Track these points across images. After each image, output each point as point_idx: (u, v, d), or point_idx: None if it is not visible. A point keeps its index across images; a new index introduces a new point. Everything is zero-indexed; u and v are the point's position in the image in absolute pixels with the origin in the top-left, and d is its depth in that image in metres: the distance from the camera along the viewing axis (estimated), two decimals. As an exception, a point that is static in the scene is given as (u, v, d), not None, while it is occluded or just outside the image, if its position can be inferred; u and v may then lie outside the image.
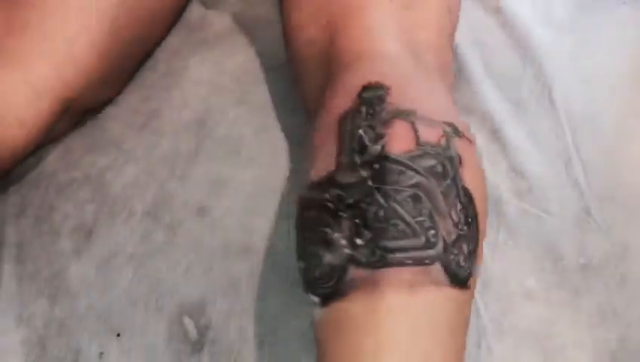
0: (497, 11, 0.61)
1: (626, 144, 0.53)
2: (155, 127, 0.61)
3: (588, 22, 0.60)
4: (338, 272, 0.39)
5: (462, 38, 0.58)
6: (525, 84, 0.57)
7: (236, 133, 0.60)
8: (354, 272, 0.38)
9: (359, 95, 0.43)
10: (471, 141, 0.43)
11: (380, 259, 0.38)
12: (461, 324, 0.39)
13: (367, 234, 0.39)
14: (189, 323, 0.51)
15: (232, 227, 0.55)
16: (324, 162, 0.42)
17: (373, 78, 0.43)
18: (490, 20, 0.61)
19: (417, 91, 0.44)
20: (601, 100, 0.55)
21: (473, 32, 0.60)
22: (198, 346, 0.50)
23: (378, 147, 0.41)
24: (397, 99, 0.42)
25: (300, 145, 0.57)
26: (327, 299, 0.39)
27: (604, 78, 0.56)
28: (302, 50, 0.51)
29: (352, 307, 0.38)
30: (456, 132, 0.42)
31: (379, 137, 0.41)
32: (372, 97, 0.42)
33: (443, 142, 0.41)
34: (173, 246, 0.55)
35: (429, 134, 0.41)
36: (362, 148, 0.41)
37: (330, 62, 0.47)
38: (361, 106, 0.43)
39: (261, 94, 0.61)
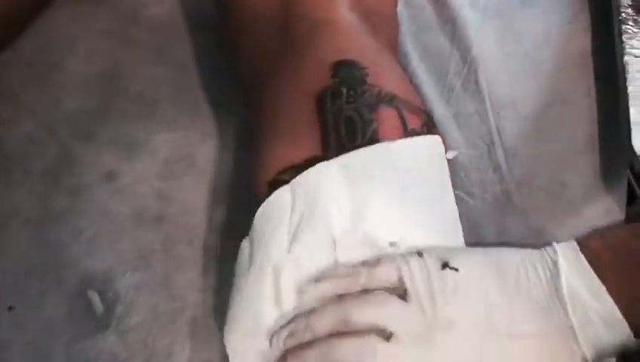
0: (430, -12, 0.60)
1: (545, 131, 0.54)
2: (58, 80, 0.55)
3: (512, 9, 0.61)
4: None
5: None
6: (452, 65, 0.57)
7: (151, 92, 0.55)
8: None
9: (335, 74, 0.41)
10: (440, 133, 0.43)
11: None
12: None
13: None
14: (93, 297, 0.47)
15: (145, 194, 0.51)
16: (304, 144, 0.40)
17: (344, 53, 0.41)
18: (422, -3, 0.60)
19: (388, 71, 0.44)
20: (523, 87, 0.56)
21: (406, 6, 0.59)
22: (104, 322, 0.46)
23: (368, 134, 0.39)
24: (375, 80, 0.41)
25: (224, 109, 0.54)
26: None
27: (527, 65, 0.57)
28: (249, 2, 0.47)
29: None
30: (433, 122, 0.42)
31: (367, 123, 0.39)
32: (351, 77, 0.41)
33: (425, 130, 0.41)
34: (76, 212, 0.50)
35: (414, 121, 0.40)
36: (351, 134, 0.39)
37: (287, 27, 0.45)
38: (341, 86, 0.40)
39: (180, 51, 0.57)
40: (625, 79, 0.53)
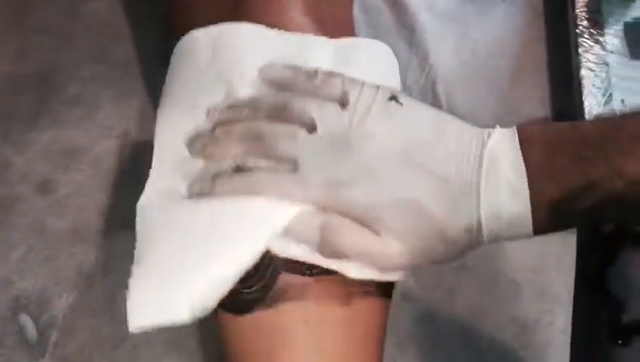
0: (388, -8, 0.58)
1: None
2: (-14, 79, 0.50)
3: (469, 15, 0.60)
4: (266, 277, 0.34)
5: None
6: (411, 72, 0.55)
7: (91, 94, 0.51)
8: (285, 279, 0.34)
9: None
10: None
11: (317, 267, 0.34)
12: (385, 331, 0.37)
13: None
14: (26, 322, 0.43)
15: (84, 207, 0.47)
16: None
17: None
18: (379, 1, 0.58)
19: None
20: (480, 96, 0.56)
21: (362, 10, 0.57)
22: (38, 350, 0.43)
23: None
24: None
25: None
26: (248, 308, 0.34)
27: (486, 74, 0.57)
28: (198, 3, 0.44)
29: (282, 318, 0.34)
30: None
31: None
32: None
33: None
34: (7, 227, 0.46)
35: None
36: None
37: None
38: None
39: (123, 51, 0.53)
40: (581, 93, 0.53)
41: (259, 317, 0.35)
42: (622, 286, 0.82)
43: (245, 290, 0.35)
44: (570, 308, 0.52)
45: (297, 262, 0.34)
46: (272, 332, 0.34)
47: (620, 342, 0.83)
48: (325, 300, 0.35)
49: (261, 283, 0.34)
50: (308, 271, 0.34)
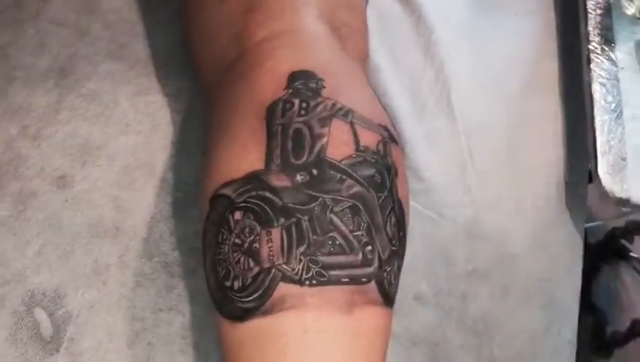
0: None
1: (515, 154, 0.55)
2: (3, 70, 0.50)
3: (484, 28, 0.60)
4: (263, 286, 0.34)
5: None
6: (425, 82, 0.56)
7: (109, 91, 0.51)
8: (284, 288, 0.34)
9: (289, 84, 0.38)
10: (402, 148, 0.41)
11: (314, 277, 0.34)
12: (387, 343, 0.37)
13: (301, 247, 0.35)
14: (41, 317, 0.43)
15: (101, 203, 0.47)
16: (247, 157, 0.37)
17: (304, 64, 0.39)
18: (396, 7, 0.58)
19: (350, 85, 0.41)
20: (494, 108, 0.56)
21: (380, 20, 0.57)
22: (53, 345, 0.42)
23: (316, 149, 0.36)
24: (331, 93, 0.38)
25: (187, 113, 0.51)
26: (246, 315, 0.35)
27: (499, 87, 0.57)
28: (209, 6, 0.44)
29: (280, 326, 0.34)
30: (392, 137, 0.40)
31: (317, 138, 0.37)
32: (305, 89, 0.38)
33: (381, 148, 0.38)
34: (22, 221, 0.45)
35: (368, 138, 0.38)
36: (298, 149, 0.36)
37: (246, 33, 0.42)
38: (294, 98, 0.38)
39: (141, 49, 0.53)
40: (592, 108, 0.54)
41: (256, 325, 0.34)
42: (605, 299, 0.84)
43: (242, 298, 0.35)
44: (577, 319, 0.52)
45: (296, 272, 0.34)
46: (269, 339, 0.34)
47: (601, 353, 0.84)
48: (326, 309, 0.34)
49: (258, 293, 0.34)
50: (307, 282, 0.34)
